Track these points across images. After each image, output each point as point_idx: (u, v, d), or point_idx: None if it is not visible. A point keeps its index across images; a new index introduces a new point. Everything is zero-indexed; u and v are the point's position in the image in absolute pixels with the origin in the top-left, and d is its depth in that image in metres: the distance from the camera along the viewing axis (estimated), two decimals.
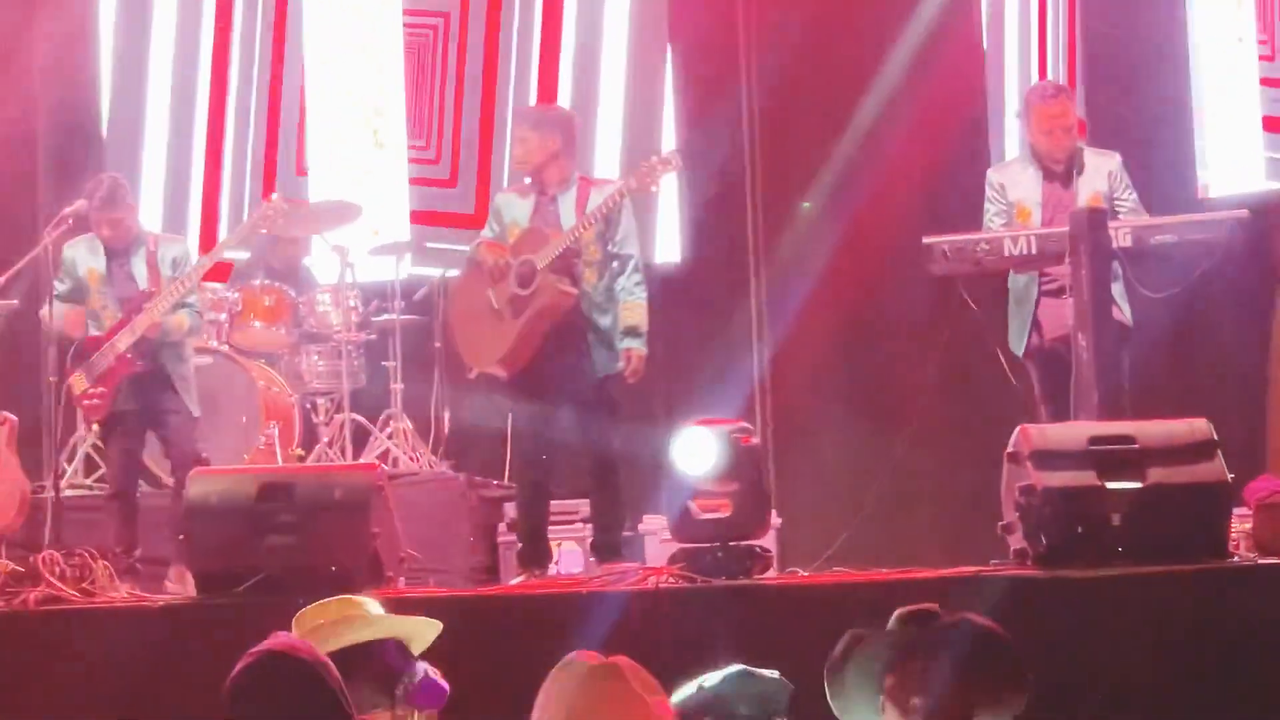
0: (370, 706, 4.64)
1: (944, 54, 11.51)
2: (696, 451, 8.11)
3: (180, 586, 9.06)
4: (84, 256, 9.71)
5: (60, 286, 9.72)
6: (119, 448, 9.82)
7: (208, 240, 12.21)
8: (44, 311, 9.71)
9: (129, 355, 9.56)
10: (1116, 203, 9.08)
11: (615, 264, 9.12)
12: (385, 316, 11.28)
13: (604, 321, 9.06)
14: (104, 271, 9.71)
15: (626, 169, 9.67)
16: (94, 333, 9.64)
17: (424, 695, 4.77)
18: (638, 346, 9.06)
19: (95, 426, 10.35)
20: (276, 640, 4.20)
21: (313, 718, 4.00)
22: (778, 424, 11.23)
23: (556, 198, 9.20)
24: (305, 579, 7.73)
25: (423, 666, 4.83)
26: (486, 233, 9.40)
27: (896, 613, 4.77)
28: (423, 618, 5.05)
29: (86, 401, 9.70)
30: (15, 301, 10.18)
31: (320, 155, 12.76)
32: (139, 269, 9.74)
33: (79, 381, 9.63)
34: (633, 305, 9.08)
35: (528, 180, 9.41)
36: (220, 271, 11.30)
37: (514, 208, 9.31)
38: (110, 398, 9.64)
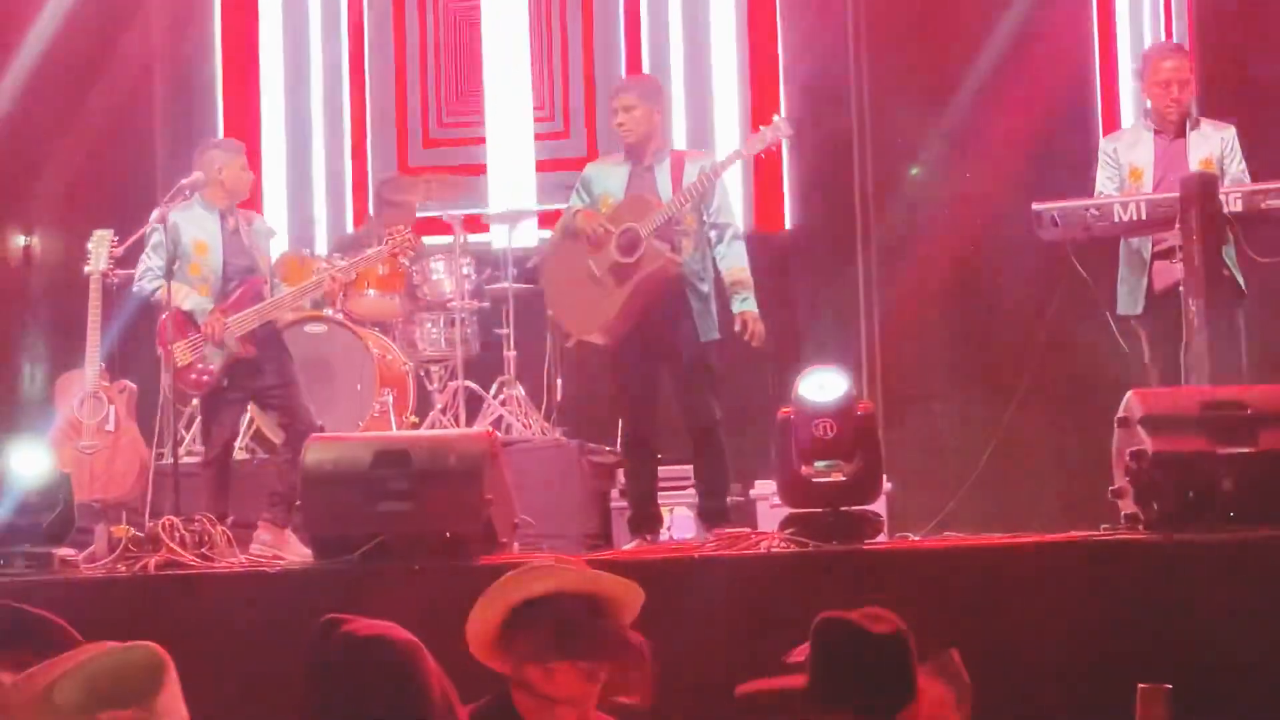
0: (547, 656, 4.68)
1: (1053, 20, 11.45)
2: (823, 385, 8.04)
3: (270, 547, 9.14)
4: (189, 227, 9.75)
5: (155, 259, 9.74)
6: (219, 423, 9.90)
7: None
8: (146, 287, 9.79)
9: (244, 339, 9.64)
10: (1223, 171, 9.02)
11: (713, 233, 9.12)
12: (498, 284, 11.31)
13: (703, 288, 9.07)
14: (213, 243, 9.77)
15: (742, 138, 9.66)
16: (204, 304, 9.72)
17: (606, 651, 4.75)
18: (750, 307, 9.06)
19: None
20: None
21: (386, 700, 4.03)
22: (887, 389, 11.20)
23: (653, 168, 9.20)
24: (419, 545, 7.77)
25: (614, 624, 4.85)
26: (575, 202, 9.35)
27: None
28: (624, 579, 5.02)
29: (192, 376, 9.73)
30: (134, 270, 10.24)
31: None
32: (245, 243, 9.85)
33: (183, 351, 9.65)
34: (735, 268, 9.09)
35: (620, 152, 9.39)
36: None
37: (607, 179, 9.31)
38: (218, 377, 9.70)
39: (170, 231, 9.68)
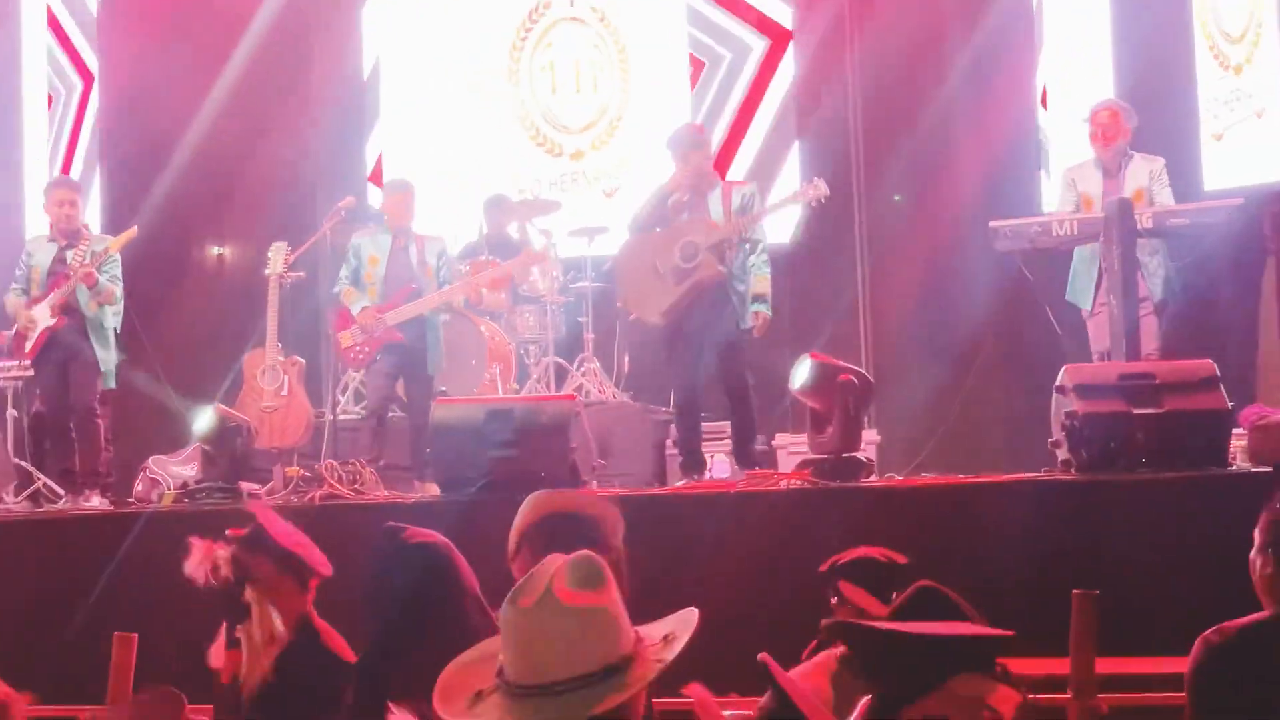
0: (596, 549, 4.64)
1: (1004, 75, 11.39)
2: (798, 373, 8.14)
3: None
4: (368, 246, 9.87)
5: (346, 270, 9.89)
6: (372, 388, 10.02)
7: None
8: (336, 290, 9.91)
9: (395, 328, 9.74)
10: (1153, 195, 9.02)
11: (748, 245, 9.08)
12: (580, 283, 11.31)
13: (740, 288, 9.02)
14: (383, 257, 9.87)
15: (800, 187, 9.61)
16: (362, 303, 9.81)
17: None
18: (764, 309, 9.00)
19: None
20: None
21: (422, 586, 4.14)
22: (878, 364, 11.16)
23: (706, 195, 9.17)
24: (520, 482, 7.72)
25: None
26: None
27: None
28: (602, 500, 4.98)
29: (352, 354, 9.89)
30: (302, 273, 10.30)
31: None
32: (411, 258, 9.93)
33: (346, 337, 9.83)
34: (761, 278, 9.04)
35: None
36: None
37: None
38: (371, 355, 9.83)
39: (355, 249, 9.85)
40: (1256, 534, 4.61)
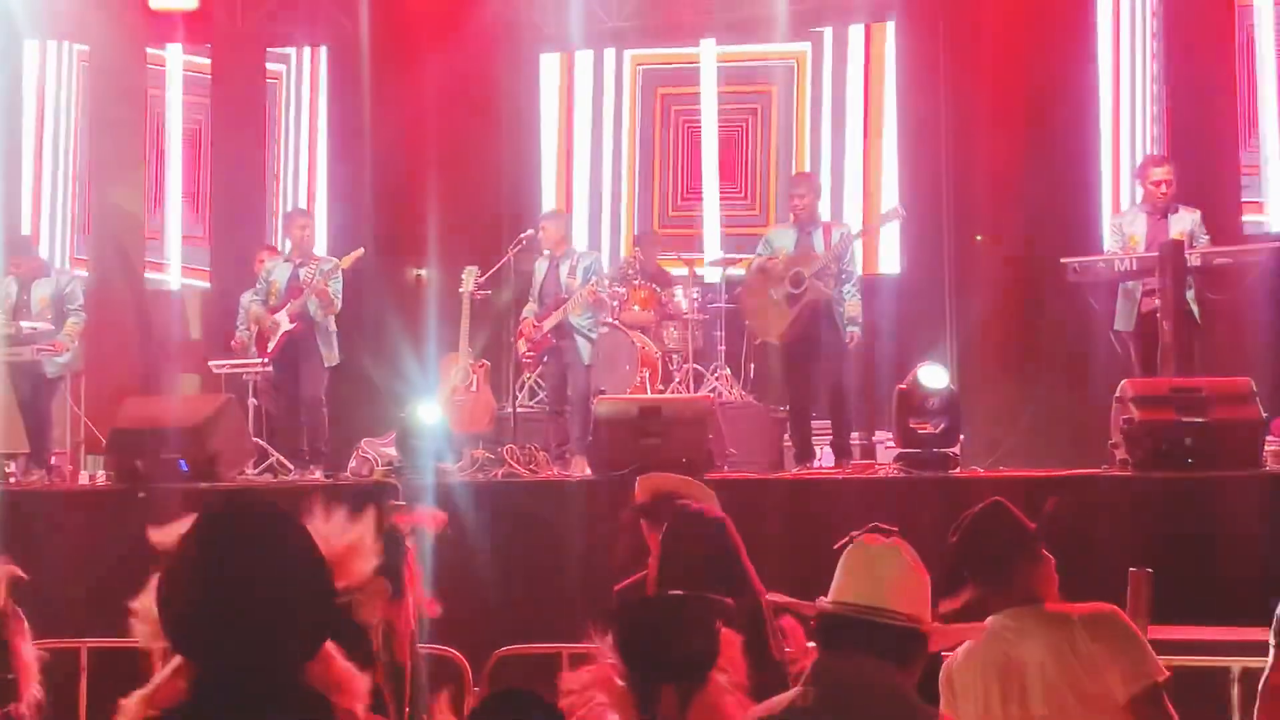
0: None
1: (1071, 131, 11.24)
2: (935, 376, 8.14)
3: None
4: (538, 267, 9.98)
5: (532, 290, 10.01)
6: (550, 385, 10.08)
7: None
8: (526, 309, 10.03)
9: (548, 334, 9.82)
10: (1195, 239, 8.86)
11: (844, 275, 9.17)
12: (715, 305, 11.34)
13: (839, 310, 9.12)
14: (539, 277, 9.98)
15: (866, 215, 9.68)
16: (530, 315, 9.94)
17: None
18: (855, 330, 9.17)
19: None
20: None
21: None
22: (962, 375, 11.07)
23: (812, 233, 9.25)
24: (665, 466, 7.79)
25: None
26: (763, 250, 9.42)
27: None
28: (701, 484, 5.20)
29: (523, 359, 10.05)
30: (489, 292, 10.45)
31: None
32: (561, 274, 9.92)
33: (521, 345, 9.94)
34: (854, 303, 9.18)
35: (791, 219, 9.48)
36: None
37: (782, 238, 9.41)
38: (536, 359, 9.98)
39: (532, 273, 9.96)
40: None
